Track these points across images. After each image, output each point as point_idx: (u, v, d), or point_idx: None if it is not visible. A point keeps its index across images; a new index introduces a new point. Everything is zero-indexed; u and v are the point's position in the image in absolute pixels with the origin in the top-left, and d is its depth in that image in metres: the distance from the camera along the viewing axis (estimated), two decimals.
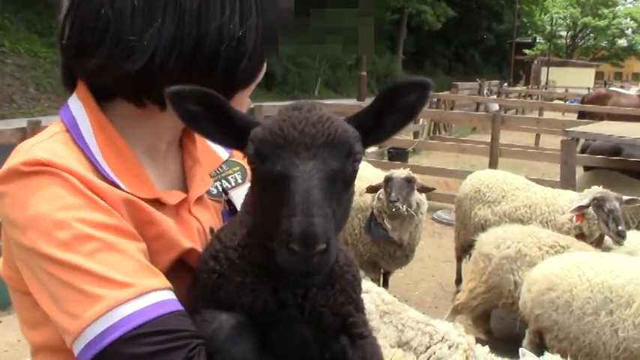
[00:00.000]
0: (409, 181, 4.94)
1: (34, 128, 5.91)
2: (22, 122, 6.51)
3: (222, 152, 1.38)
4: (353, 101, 20.70)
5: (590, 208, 4.75)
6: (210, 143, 1.35)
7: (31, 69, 19.95)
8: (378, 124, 1.02)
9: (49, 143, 1.08)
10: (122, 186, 1.08)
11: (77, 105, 1.15)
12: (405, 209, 4.86)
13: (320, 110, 0.97)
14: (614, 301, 3.61)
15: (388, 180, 4.95)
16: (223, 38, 1.10)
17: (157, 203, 1.14)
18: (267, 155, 0.92)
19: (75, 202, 1.01)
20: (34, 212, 1.00)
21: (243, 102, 1.24)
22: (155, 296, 0.98)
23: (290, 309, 1.03)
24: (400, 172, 4.99)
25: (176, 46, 1.08)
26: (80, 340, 0.96)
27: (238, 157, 1.40)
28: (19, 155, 1.05)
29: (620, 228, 4.53)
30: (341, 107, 12.15)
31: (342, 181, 0.93)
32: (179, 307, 1.02)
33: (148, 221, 1.09)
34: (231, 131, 1.00)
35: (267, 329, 1.03)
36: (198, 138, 1.33)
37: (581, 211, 4.79)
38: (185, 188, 1.24)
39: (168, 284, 1.03)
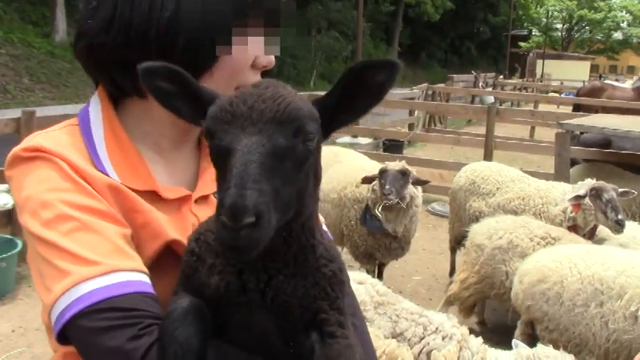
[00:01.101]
0: (403, 174, 4.94)
1: (29, 118, 5.87)
2: (16, 112, 6.47)
3: None
4: None
5: (587, 198, 4.77)
6: None
7: (25, 59, 19.87)
8: (345, 106, 0.99)
9: (54, 133, 1.18)
10: (112, 175, 1.14)
11: (95, 102, 1.24)
12: (396, 201, 4.87)
13: (278, 88, 0.95)
14: (604, 293, 3.64)
15: (383, 172, 4.95)
16: (152, 16, 1.13)
17: (154, 196, 1.19)
18: (216, 131, 0.91)
19: (63, 186, 1.08)
20: (26, 194, 1.09)
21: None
22: (120, 276, 1.02)
23: (251, 293, 1.01)
24: (395, 165, 4.99)
25: (112, 25, 1.14)
26: (52, 313, 1.02)
27: None
28: (23, 142, 1.14)
29: (619, 217, 4.55)
30: None
31: (291, 160, 0.90)
32: (145, 289, 1.05)
33: (133, 209, 1.13)
34: (200, 109, 0.99)
35: (230, 314, 1.04)
36: None
37: (578, 200, 4.80)
38: (195, 187, 1.29)
39: (139, 267, 1.07)
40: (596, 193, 4.71)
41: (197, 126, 1.00)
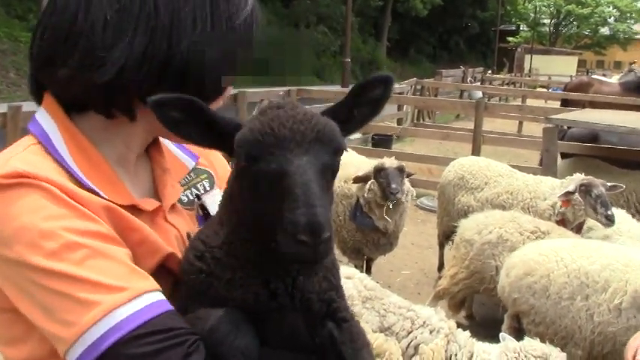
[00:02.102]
0: (401, 170, 4.97)
1: (15, 113, 5.84)
2: (2, 107, 6.42)
3: (187, 161, 1.40)
4: (337, 87, 20.64)
5: (577, 194, 4.81)
6: (175, 153, 1.38)
7: (12, 54, 19.68)
8: (349, 117, 1.08)
9: (24, 155, 1.08)
10: (101, 193, 1.09)
11: (46, 117, 1.15)
12: (403, 199, 4.94)
13: (301, 108, 1.01)
14: (590, 287, 3.67)
15: (380, 170, 4.94)
16: (192, 55, 1.11)
17: (134, 210, 1.15)
18: (260, 155, 0.95)
19: (59, 212, 1.01)
20: (18, 224, 0.99)
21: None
22: (148, 298, 1.00)
23: (282, 298, 1.06)
24: (391, 162, 4.99)
25: (146, 60, 1.09)
26: (76, 347, 0.97)
27: (204, 165, 1.43)
28: None
29: (609, 212, 4.62)
30: (325, 93, 12.12)
31: (330, 174, 0.98)
32: (170, 307, 1.04)
33: (129, 227, 1.10)
34: (214, 134, 1.03)
35: (258, 321, 1.06)
36: (164, 148, 1.35)
37: (567, 197, 4.84)
38: (157, 197, 1.25)
39: (157, 286, 1.05)
40: (585, 189, 4.75)
41: (215, 150, 1.06)
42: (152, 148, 1.31)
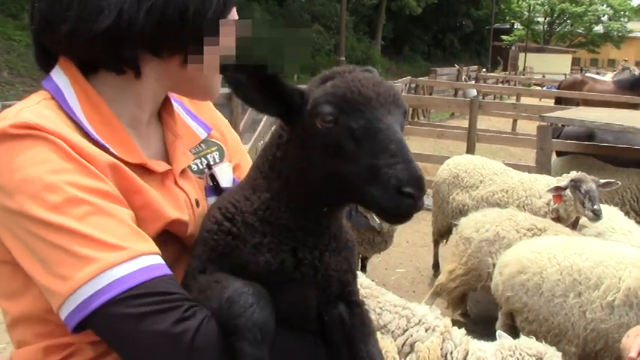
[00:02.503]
0: None
1: None
2: None
3: (200, 132, 1.40)
4: None
5: (568, 190, 4.84)
6: (188, 122, 1.38)
7: (5, 52, 19.58)
8: None
9: (37, 108, 1.09)
10: (111, 149, 1.09)
11: (60, 76, 1.16)
12: None
13: (372, 73, 1.08)
14: (582, 284, 3.68)
15: None
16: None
17: (143, 170, 1.16)
18: (349, 111, 0.98)
19: (65, 167, 1.01)
20: (23, 175, 1.00)
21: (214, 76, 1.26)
22: (146, 260, 1.01)
23: (306, 269, 1.09)
24: None
25: (144, 1, 1.10)
26: (69, 302, 0.97)
27: (216, 137, 1.43)
28: (8, 118, 1.04)
29: (595, 207, 4.64)
30: None
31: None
32: (168, 271, 1.04)
33: (133, 189, 1.10)
34: (276, 100, 1.05)
35: (277, 290, 1.07)
36: (177, 116, 1.36)
37: (558, 191, 4.88)
38: (167, 161, 1.26)
39: (157, 249, 1.05)
40: (575, 184, 4.79)
41: (274, 116, 1.07)
42: (164, 113, 1.32)
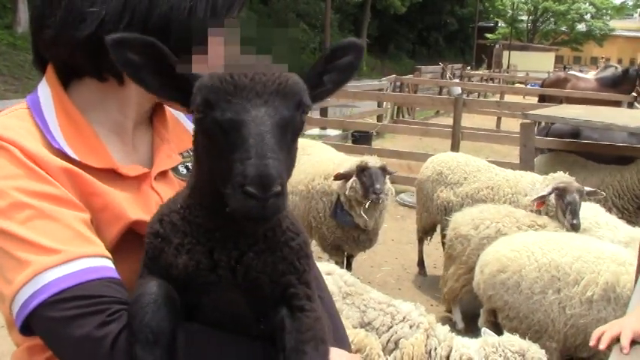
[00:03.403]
0: (384, 170, 4.98)
1: None
2: None
3: None
4: None
5: (552, 197, 4.87)
6: (186, 125, 1.40)
7: None
8: (320, 84, 1.05)
9: (4, 118, 1.13)
10: (71, 154, 1.10)
11: (44, 86, 1.19)
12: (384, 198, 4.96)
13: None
14: (561, 279, 3.72)
15: (364, 169, 4.94)
16: (174, 6, 1.12)
17: (114, 174, 1.16)
18: (217, 102, 0.90)
19: (15, 172, 1.04)
20: None
21: None
22: (82, 263, 1.01)
23: (223, 271, 1.01)
24: (375, 161, 4.99)
25: (127, 11, 1.11)
26: (14, 305, 1.00)
27: None
28: None
29: (574, 222, 4.62)
30: None
31: (291, 131, 0.93)
32: (109, 274, 1.04)
33: (91, 192, 1.11)
34: (173, 84, 0.99)
35: (200, 294, 1.03)
36: (171, 120, 1.37)
37: (542, 199, 4.90)
38: (152, 166, 1.27)
39: (101, 252, 1.05)
40: (559, 193, 4.79)
41: (171, 102, 1.01)
42: (155, 119, 1.33)
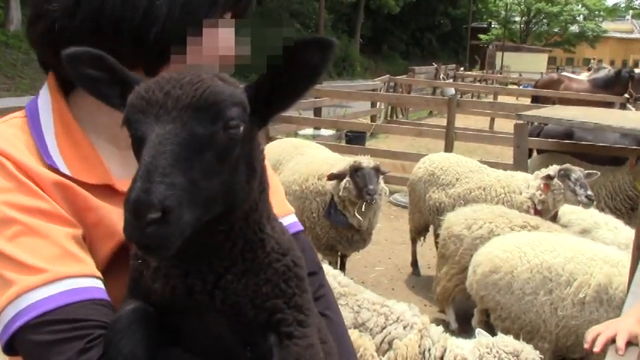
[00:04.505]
0: (377, 171, 4.97)
1: None
2: None
3: None
4: None
5: (556, 179, 4.95)
6: None
7: None
8: (279, 89, 0.92)
9: (1, 126, 1.10)
10: (63, 169, 1.07)
11: (45, 93, 1.16)
12: (377, 198, 4.95)
13: (200, 72, 0.88)
14: (553, 280, 3.73)
15: (357, 169, 4.93)
16: (127, 4, 1.07)
17: (110, 190, 1.12)
18: (132, 120, 0.85)
19: (4, 185, 1.00)
20: None
21: None
22: (68, 283, 0.97)
23: (199, 296, 0.95)
24: (368, 162, 4.99)
25: (79, 9, 1.07)
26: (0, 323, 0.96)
27: None
28: None
29: (589, 192, 4.83)
30: None
31: (212, 150, 0.84)
32: (96, 295, 1.00)
33: (85, 207, 1.07)
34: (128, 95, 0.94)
35: (182, 319, 0.98)
36: None
37: (547, 180, 4.97)
38: None
39: (89, 272, 1.01)
40: (564, 174, 4.94)
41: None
42: None
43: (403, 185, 8.81)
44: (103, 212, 1.08)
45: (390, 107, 16.10)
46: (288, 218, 1.37)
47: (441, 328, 3.22)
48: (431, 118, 18.90)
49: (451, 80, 23.96)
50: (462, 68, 31.91)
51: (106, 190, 1.11)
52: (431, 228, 6.32)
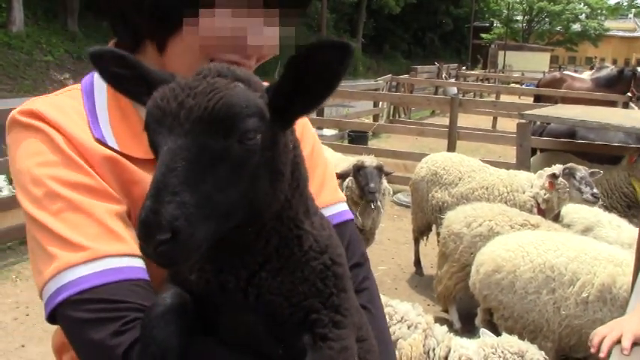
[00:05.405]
0: (379, 170, 4.97)
1: None
2: None
3: None
4: None
5: (561, 178, 4.96)
6: None
7: None
8: (300, 92, 0.87)
9: (56, 97, 1.13)
10: (111, 143, 1.09)
11: None
12: (380, 198, 4.94)
13: (216, 78, 0.85)
14: (556, 280, 3.72)
15: (360, 168, 4.93)
16: None
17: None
18: (150, 128, 0.83)
19: (53, 160, 1.03)
20: (18, 167, 1.05)
21: (186, 62, 1.13)
22: (108, 262, 0.98)
23: (232, 293, 0.93)
24: (371, 161, 4.99)
25: None
26: (43, 296, 0.99)
27: None
28: (23, 104, 1.09)
29: (595, 190, 4.84)
30: None
31: (226, 162, 0.81)
32: (135, 275, 1.01)
33: (131, 180, 1.08)
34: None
35: (216, 313, 0.97)
36: None
37: (552, 179, 4.97)
38: None
39: (130, 251, 1.01)
40: (569, 172, 4.94)
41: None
42: None
43: (406, 185, 8.80)
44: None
45: (392, 107, 16.09)
46: (337, 206, 1.35)
47: (445, 327, 3.21)
48: (433, 117, 18.88)
49: (453, 80, 23.92)
50: (464, 67, 31.87)
51: (153, 164, 1.11)
52: (434, 227, 6.30)
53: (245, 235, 0.90)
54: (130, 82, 0.93)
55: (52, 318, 1.00)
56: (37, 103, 1.09)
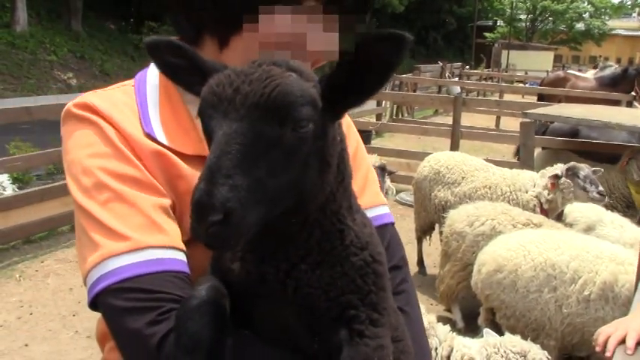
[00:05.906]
0: (382, 169, 4.97)
1: None
2: None
3: None
4: None
5: (564, 178, 4.93)
6: None
7: None
8: (353, 84, 0.89)
9: (110, 91, 1.18)
10: (160, 138, 1.11)
11: None
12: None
13: (271, 66, 0.86)
14: (557, 278, 3.72)
15: None
16: None
17: (204, 161, 1.13)
18: (205, 114, 0.85)
19: (104, 151, 1.07)
20: (71, 157, 1.09)
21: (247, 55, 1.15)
22: (149, 253, 1.01)
23: (271, 284, 0.94)
24: (374, 160, 4.99)
25: None
26: (87, 282, 1.03)
27: None
28: (78, 97, 1.13)
29: (600, 188, 4.82)
30: None
31: (279, 149, 0.82)
32: (175, 267, 1.03)
33: (177, 175, 1.11)
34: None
35: (253, 305, 0.98)
36: None
37: (555, 179, 4.94)
38: None
39: (172, 243, 1.04)
40: (572, 172, 4.91)
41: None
42: None
43: (409, 184, 8.79)
44: (195, 181, 1.10)
45: (395, 106, 16.08)
46: (379, 209, 1.38)
47: (447, 327, 3.21)
48: (436, 116, 18.87)
49: (457, 79, 23.90)
50: (467, 67, 31.83)
51: (200, 161, 1.12)
52: (436, 227, 6.30)
53: (289, 225, 0.92)
54: (184, 72, 0.95)
55: (93, 305, 1.03)
56: (92, 96, 1.13)
